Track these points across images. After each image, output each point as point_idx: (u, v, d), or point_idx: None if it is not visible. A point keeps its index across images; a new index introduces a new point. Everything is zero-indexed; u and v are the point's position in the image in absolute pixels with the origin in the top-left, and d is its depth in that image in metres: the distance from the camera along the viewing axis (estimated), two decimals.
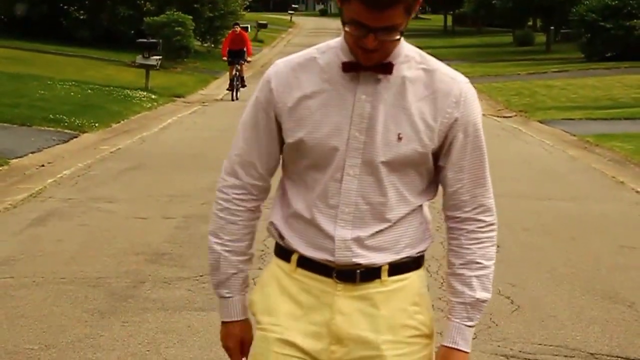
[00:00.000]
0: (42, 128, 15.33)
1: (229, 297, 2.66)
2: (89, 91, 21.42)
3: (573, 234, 8.72)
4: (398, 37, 2.39)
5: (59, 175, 11.40)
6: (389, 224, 2.50)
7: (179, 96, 24.27)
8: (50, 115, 16.23)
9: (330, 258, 2.49)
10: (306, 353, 2.50)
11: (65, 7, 34.92)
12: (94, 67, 28.33)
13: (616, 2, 37.48)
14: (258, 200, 2.63)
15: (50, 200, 9.83)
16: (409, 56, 2.49)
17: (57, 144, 14.12)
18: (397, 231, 2.51)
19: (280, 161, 2.61)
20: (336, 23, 60.16)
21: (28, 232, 8.31)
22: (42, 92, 19.72)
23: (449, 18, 64.69)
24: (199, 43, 37.24)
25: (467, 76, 2.58)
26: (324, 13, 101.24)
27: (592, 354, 5.50)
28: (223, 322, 2.68)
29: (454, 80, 2.50)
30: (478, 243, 2.53)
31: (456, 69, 2.57)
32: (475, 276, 2.52)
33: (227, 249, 2.66)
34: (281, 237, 2.57)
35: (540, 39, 48.26)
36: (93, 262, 7.26)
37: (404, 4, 2.33)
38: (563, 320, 6.08)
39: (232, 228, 2.64)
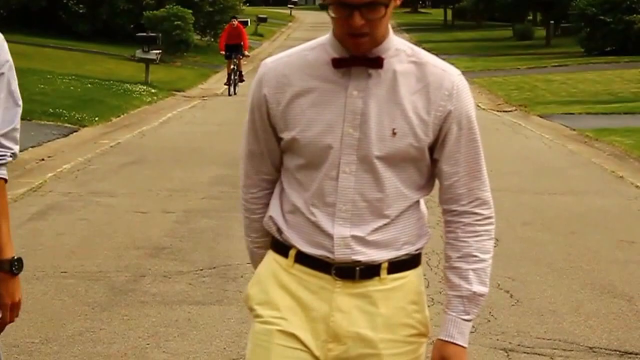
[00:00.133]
0: (42, 122, 15.33)
1: None
2: (89, 85, 21.41)
3: (572, 229, 8.73)
4: (384, 13, 2.37)
5: (59, 170, 11.40)
6: (388, 220, 2.49)
7: (178, 90, 24.25)
8: (50, 110, 16.23)
9: (329, 255, 2.48)
10: (306, 346, 2.50)
11: (65, 0, 34.88)
12: (93, 61, 28.31)
13: None
14: (271, 195, 2.63)
15: (50, 194, 9.84)
16: (400, 49, 2.48)
17: (57, 138, 14.12)
18: (396, 227, 2.51)
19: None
20: None
21: (28, 226, 8.32)
22: (42, 86, 19.70)
23: (449, 12, 64.62)
24: (199, 37, 37.19)
25: (467, 70, 2.60)
26: (324, 7, 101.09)
27: (590, 347, 5.51)
28: None
29: (446, 72, 2.49)
30: (475, 236, 2.52)
31: (456, 64, 2.58)
32: (472, 269, 2.51)
33: (256, 245, 2.70)
34: (279, 231, 2.56)
35: (540, 33, 48.19)
36: (93, 256, 7.27)
37: None
38: (562, 314, 6.09)
39: (256, 225, 2.67)
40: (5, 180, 2.79)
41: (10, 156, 2.78)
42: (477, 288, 2.51)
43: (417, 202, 2.55)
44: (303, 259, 2.52)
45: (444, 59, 2.61)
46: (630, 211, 9.75)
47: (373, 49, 2.44)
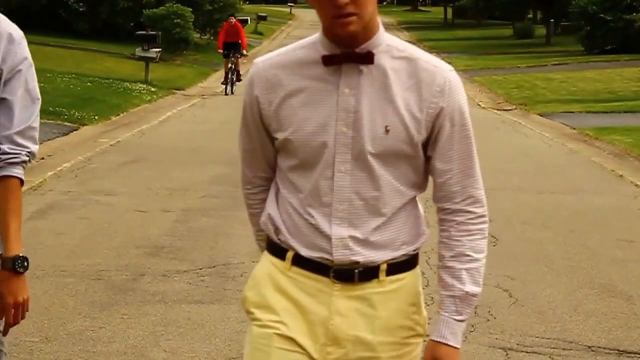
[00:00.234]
0: (42, 121, 15.00)
1: None
2: (89, 84, 21.41)
3: (572, 227, 8.73)
4: None
5: (58, 168, 11.41)
6: (384, 218, 2.48)
7: (178, 89, 24.24)
8: (50, 108, 16.22)
9: (328, 257, 2.46)
10: (305, 350, 2.48)
11: None
12: (93, 59, 28.29)
13: None
14: (269, 190, 2.62)
15: (50, 193, 9.84)
16: (390, 45, 2.45)
17: (57, 137, 14.13)
18: (394, 227, 2.49)
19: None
20: None
21: (28, 225, 8.32)
22: (42, 84, 19.24)
23: (449, 10, 64.61)
24: (199, 35, 37.19)
25: (467, 69, 2.59)
26: None
27: (589, 346, 5.51)
28: None
29: (438, 68, 2.46)
30: (468, 235, 2.50)
31: (456, 62, 2.57)
32: (465, 269, 2.49)
33: (258, 238, 2.71)
34: (277, 232, 2.54)
35: (540, 31, 48.17)
36: (93, 255, 7.28)
37: None
38: (561, 314, 6.09)
39: (255, 220, 2.68)
40: (21, 181, 2.72)
41: (27, 155, 2.72)
42: (470, 288, 2.48)
43: (414, 200, 2.54)
44: (301, 261, 2.50)
45: (444, 58, 2.61)
46: (630, 210, 9.76)
47: (363, 44, 2.41)
